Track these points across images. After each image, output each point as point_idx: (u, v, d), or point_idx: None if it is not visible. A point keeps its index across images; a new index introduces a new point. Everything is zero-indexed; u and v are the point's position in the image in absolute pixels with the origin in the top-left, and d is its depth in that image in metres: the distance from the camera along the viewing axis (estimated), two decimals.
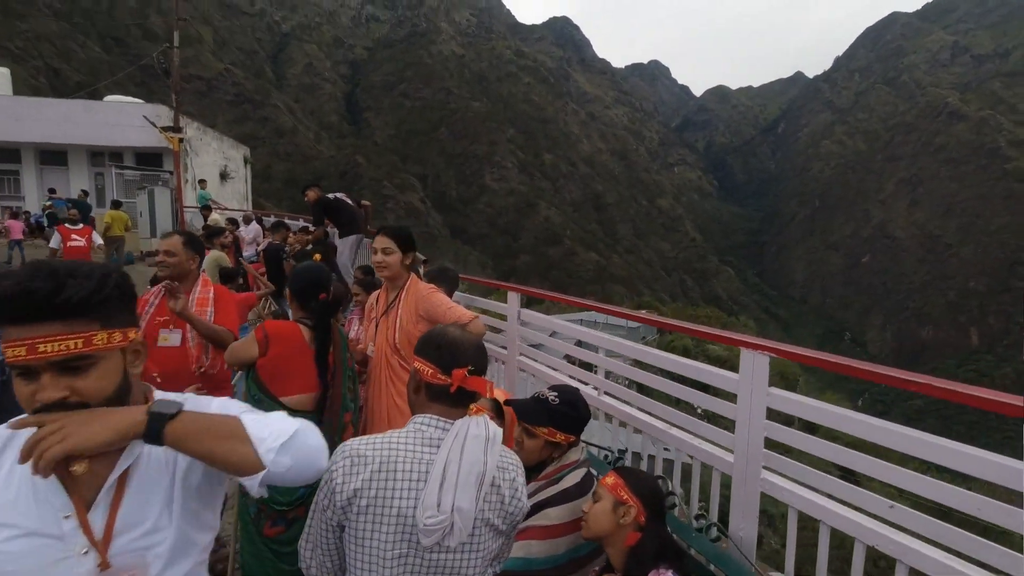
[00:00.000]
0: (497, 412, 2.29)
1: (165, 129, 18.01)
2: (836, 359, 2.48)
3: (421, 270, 5.52)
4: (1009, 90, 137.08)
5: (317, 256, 5.56)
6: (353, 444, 1.47)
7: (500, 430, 1.54)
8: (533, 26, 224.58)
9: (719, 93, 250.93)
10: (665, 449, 3.30)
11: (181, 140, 18.32)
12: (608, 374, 3.89)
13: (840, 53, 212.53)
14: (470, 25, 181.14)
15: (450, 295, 4.48)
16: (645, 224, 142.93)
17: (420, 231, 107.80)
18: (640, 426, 3.39)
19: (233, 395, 4.44)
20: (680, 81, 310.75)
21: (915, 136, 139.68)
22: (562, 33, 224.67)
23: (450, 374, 1.51)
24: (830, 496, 2.35)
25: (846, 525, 2.20)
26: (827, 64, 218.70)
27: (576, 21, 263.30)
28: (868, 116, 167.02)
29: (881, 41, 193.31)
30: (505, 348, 4.89)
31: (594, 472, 2.17)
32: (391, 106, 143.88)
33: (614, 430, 3.78)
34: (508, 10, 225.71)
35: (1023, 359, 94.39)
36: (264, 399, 2.51)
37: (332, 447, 2.32)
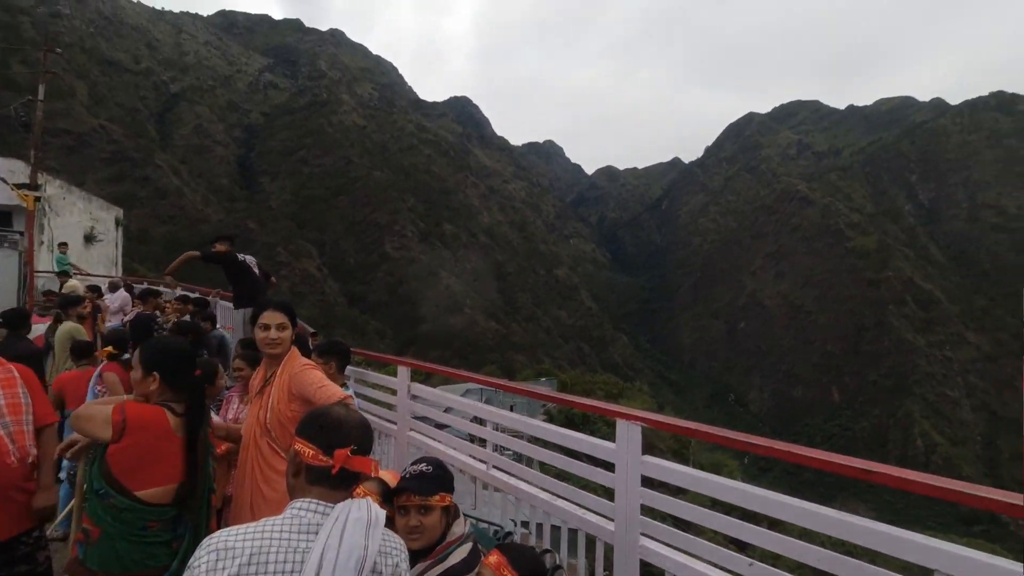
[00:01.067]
0: (385, 496, 2.25)
1: (19, 186, 16.30)
2: (697, 426, 2.67)
3: (310, 343, 5.27)
4: (844, 182, 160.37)
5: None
6: (220, 536, 1.36)
7: (384, 512, 1.48)
8: (435, 103, 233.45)
9: (608, 172, 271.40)
10: (552, 517, 3.33)
11: (38, 199, 16.64)
12: (497, 447, 3.88)
13: (710, 143, 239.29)
14: (372, 98, 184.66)
15: (341, 370, 4.30)
16: (544, 293, 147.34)
17: (316, 299, 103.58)
18: (527, 498, 3.42)
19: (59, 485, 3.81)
20: (573, 160, 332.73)
21: (775, 217, 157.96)
22: (463, 111, 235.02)
23: (332, 455, 1.45)
24: (699, 558, 2.45)
25: None
26: (700, 152, 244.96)
27: (476, 101, 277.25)
28: (736, 198, 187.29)
29: (742, 136, 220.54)
30: (395, 423, 4.73)
31: (481, 547, 2.18)
32: (288, 172, 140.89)
33: (504, 503, 3.73)
34: (410, 87, 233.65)
35: (876, 414, 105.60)
36: (111, 493, 2.19)
37: (197, 539, 2.24)
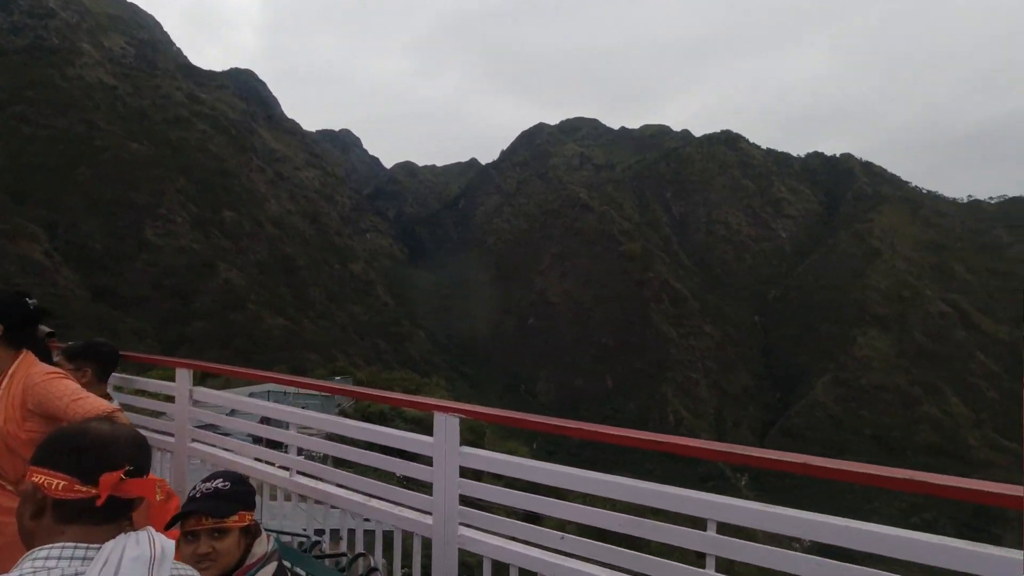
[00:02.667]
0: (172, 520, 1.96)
1: None
2: (510, 414, 2.87)
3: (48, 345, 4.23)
4: (617, 193, 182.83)
5: None
6: None
7: (171, 543, 1.19)
8: (212, 72, 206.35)
9: (407, 168, 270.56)
10: (365, 520, 3.21)
11: None
12: (300, 451, 3.58)
13: (505, 147, 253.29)
14: (126, 55, 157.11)
15: (102, 378, 3.45)
16: (338, 288, 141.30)
17: (45, 291, 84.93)
18: (338, 503, 3.23)
19: None
20: (371, 152, 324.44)
21: (561, 221, 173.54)
22: (246, 86, 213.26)
23: (97, 482, 1.12)
24: (516, 539, 2.57)
25: (530, 563, 2.47)
26: (495, 155, 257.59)
27: (263, 77, 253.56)
28: (528, 202, 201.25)
29: (533, 143, 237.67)
30: (172, 435, 4.05)
31: (287, 564, 2.05)
32: (1, 131, 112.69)
33: (310, 511, 3.47)
34: (179, 48, 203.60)
35: (641, 397, 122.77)
36: None
37: None
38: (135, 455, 1.20)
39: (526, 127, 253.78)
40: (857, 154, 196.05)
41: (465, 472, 2.76)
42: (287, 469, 3.51)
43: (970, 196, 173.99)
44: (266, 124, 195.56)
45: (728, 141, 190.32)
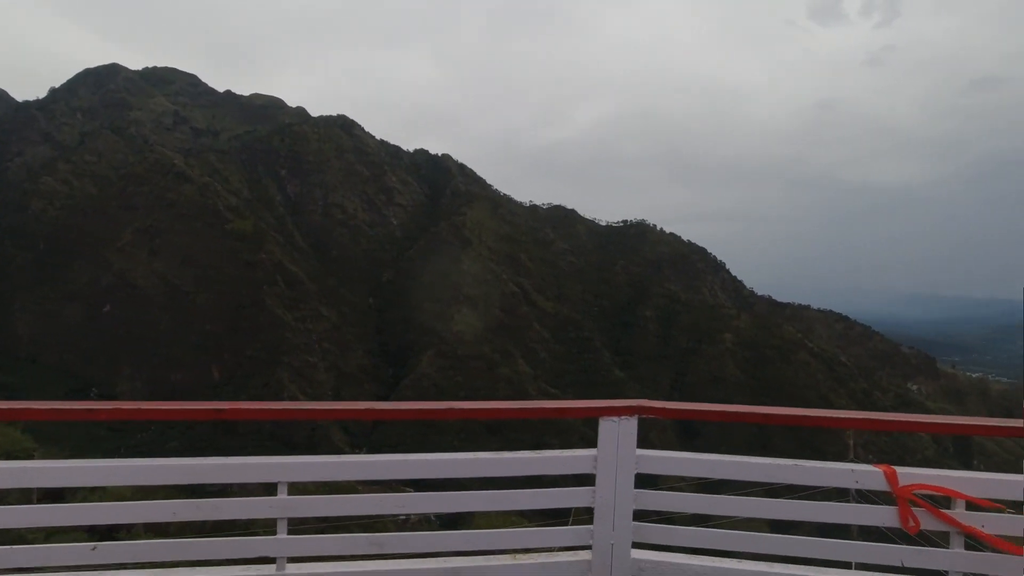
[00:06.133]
0: None
1: None
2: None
3: None
4: (222, 164, 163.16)
5: None
6: None
7: None
8: None
9: None
10: None
11: None
12: None
13: (58, 85, 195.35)
14: None
15: None
16: None
17: None
18: None
19: None
20: None
21: (147, 189, 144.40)
22: None
23: None
24: (31, 570, 2.32)
25: None
26: (43, 92, 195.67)
27: None
28: (97, 160, 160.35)
29: (104, 88, 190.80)
30: None
31: None
32: None
33: None
34: None
35: (254, 385, 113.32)
36: None
37: None
38: None
39: (93, 64, 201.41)
40: (454, 155, 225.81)
41: None
42: None
43: (531, 201, 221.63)
44: None
45: (344, 126, 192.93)
